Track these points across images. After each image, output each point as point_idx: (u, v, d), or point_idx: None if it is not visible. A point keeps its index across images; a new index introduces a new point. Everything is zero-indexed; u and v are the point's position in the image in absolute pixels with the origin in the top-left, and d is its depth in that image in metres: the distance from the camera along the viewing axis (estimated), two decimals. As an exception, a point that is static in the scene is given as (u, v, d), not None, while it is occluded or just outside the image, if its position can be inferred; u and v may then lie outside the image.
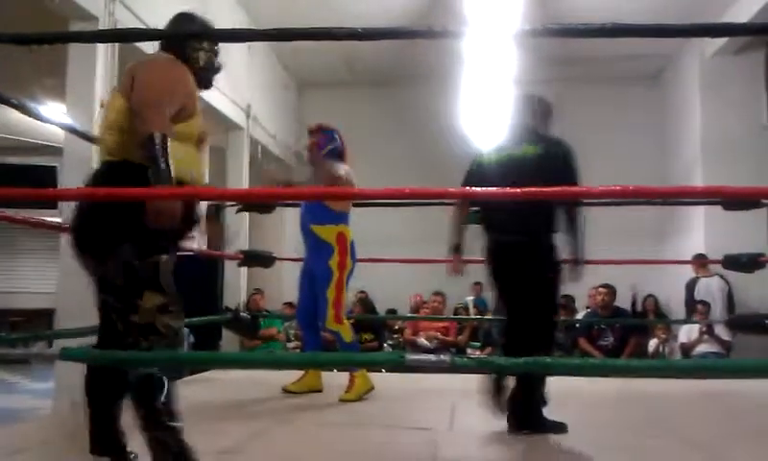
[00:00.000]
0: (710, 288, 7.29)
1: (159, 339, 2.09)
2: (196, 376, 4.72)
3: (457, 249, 3.41)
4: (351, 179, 4.15)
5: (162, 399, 2.07)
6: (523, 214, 3.03)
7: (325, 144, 4.27)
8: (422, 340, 7.46)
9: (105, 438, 2.27)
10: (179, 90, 2.23)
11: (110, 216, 2.10)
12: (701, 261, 6.91)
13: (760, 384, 4.02)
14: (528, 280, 3.13)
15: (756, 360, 3.76)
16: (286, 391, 4.18)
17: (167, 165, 2.02)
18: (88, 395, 2.29)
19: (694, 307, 7.27)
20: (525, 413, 3.11)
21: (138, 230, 2.06)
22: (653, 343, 7.21)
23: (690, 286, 7.49)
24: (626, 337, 6.72)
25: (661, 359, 6.64)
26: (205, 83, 2.51)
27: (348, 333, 4.09)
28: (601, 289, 6.71)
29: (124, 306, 2.13)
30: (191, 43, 2.42)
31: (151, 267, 2.12)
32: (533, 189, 2.68)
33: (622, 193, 2.98)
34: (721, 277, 7.31)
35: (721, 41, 7.76)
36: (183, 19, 2.49)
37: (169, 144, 2.04)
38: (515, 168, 3.10)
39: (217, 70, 2.55)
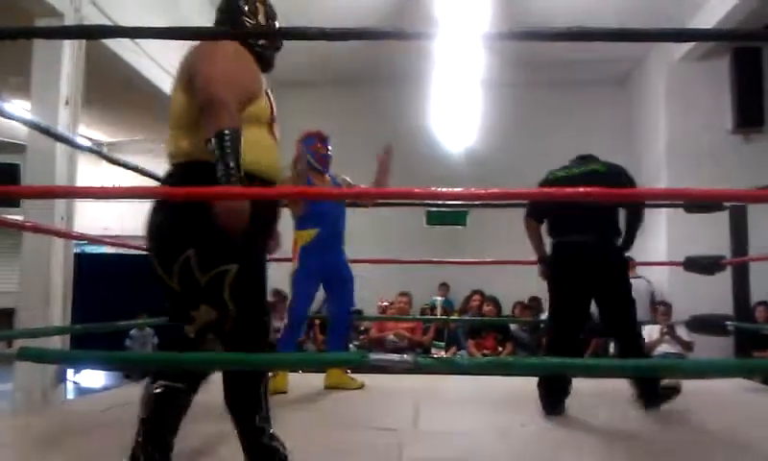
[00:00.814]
0: (638, 289, 7.58)
1: None
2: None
3: (543, 259, 3.82)
4: None
5: (168, 416, 2.05)
6: (593, 217, 3.54)
7: None
8: (392, 337, 7.47)
9: None
10: (243, 77, 2.07)
11: (176, 220, 1.97)
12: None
13: (721, 384, 4.12)
14: (601, 277, 3.58)
15: (715, 360, 3.83)
16: None
17: (236, 164, 1.86)
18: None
19: None
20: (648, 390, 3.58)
21: (205, 236, 1.94)
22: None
23: None
24: (588, 338, 6.83)
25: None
26: (267, 62, 2.31)
27: None
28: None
29: (178, 314, 2.03)
30: (244, 18, 2.27)
31: (213, 278, 1.97)
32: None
33: (587, 195, 3.01)
34: (645, 279, 7.80)
35: (687, 46, 7.87)
36: None
37: (241, 138, 1.91)
38: (584, 180, 3.54)
39: (277, 48, 2.36)
